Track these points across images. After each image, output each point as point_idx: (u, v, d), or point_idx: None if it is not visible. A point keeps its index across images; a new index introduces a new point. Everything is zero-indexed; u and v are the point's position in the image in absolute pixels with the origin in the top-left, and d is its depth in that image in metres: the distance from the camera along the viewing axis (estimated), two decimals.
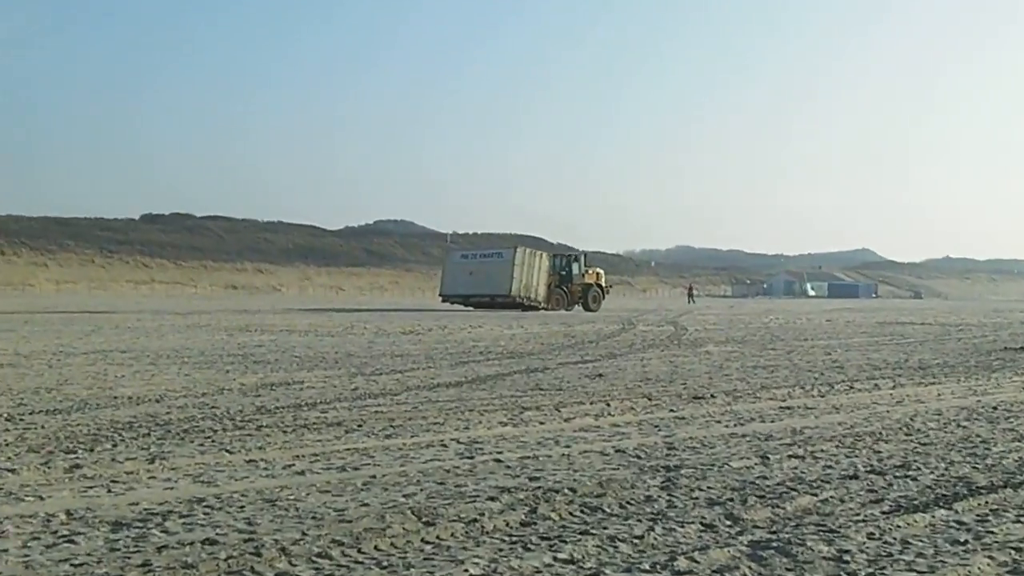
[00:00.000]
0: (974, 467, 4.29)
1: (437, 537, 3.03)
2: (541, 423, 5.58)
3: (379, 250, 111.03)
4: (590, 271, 34.53)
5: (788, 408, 6.38)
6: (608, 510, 3.41)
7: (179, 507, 3.40)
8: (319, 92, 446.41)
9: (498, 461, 4.34)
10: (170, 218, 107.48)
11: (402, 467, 4.17)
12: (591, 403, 6.53)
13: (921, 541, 3.04)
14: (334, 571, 2.71)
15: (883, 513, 3.39)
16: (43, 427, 5.21)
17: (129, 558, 2.77)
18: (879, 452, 4.66)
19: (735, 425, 5.57)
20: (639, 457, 4.49)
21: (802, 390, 7.50)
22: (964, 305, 58.57)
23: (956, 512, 3.42)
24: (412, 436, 5.03)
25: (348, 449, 4.60)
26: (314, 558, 2.79)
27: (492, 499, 3.54)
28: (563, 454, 4.54)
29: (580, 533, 3.09)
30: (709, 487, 3.80)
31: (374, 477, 3.95)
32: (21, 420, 5.47)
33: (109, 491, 3.66)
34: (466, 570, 2.71)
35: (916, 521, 3.27)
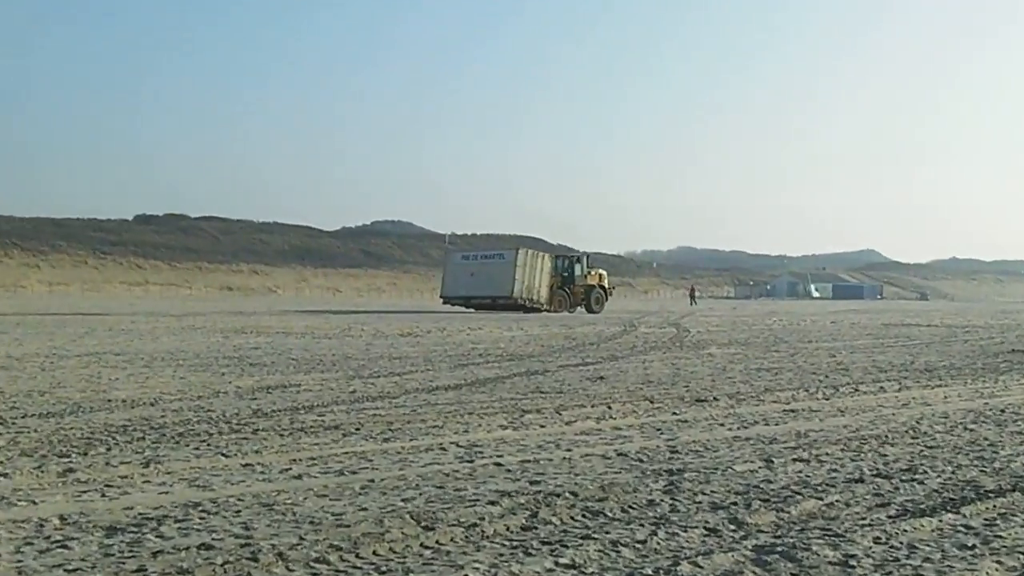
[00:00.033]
0: (981, 470, 4.27)
1: (436, 542, 3.00)
2: (542, 426, 5.55)
3: (377, 251, 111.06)
4: (592, 272, 34.48)
5: (792, 411, 6.35)
6: (610, 514, 3.39)
7: (174, 512, 3.37)
8: (316, 91, 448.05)
9: (498, 465, 4.31)
10: (164, 219, 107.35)
11: (401, 471, 4.15)
12: (592, 406, 6.49)
13: (928, 546, 3.02)
14: None
15: (889, 517, 3.36)
16: (36, 431, 5.17)
17: (123, 564, 2.75)
18: (885, 455, 4.63)
19: (739, 428, 5.54)
20: (641, 461, 4.46)
21: (806, 393, 7.48)
22: (970, 306, 58.74)
23: (963, 516, 3.40)
24: (411, 439, 5.00)
25: (346, 453, 4.57)
26: (312, 563, 2.77)
27: (492, 503, 3.51)
28: (564, 457, 4.52)
29: (582, 538, 3.07)
30: (712, 491, 3.78)
31: (372, 481, 3.92)
32: (14, 424, 5.44)
33: (103, 496, 3.63)
34: (466, 575, 2.68)
35: (923, 525, 3.25)
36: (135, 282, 76.74)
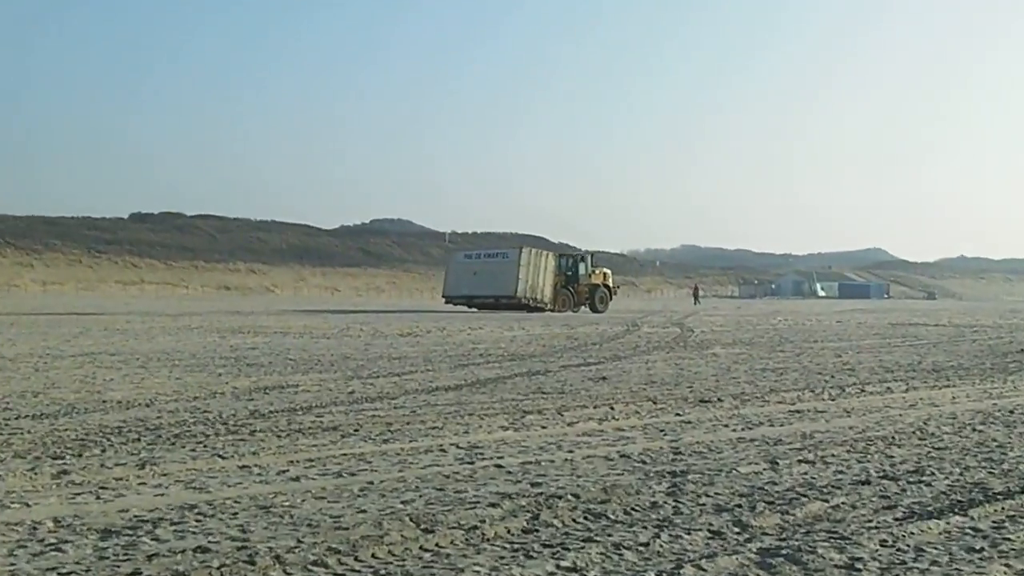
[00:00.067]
0: (990, 472, 4.24)
1: (436, 545, 2.98)
2: (543, 427, 5.52)
3: (376, 250, 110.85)
4: (597, 271, 34.39)
5: (798, 412, 6.32)
6: (612, 517, 3.36)
7: (170, 514, 3.35)
8: (314, 87, 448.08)
9: (499, 466, 4.29)
10: (160, 217, 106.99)
11: (400, 473, 4.12)
12: (595, 407, 6.46)
13: (935, 549, 3.00)
14: None
15: (896, 520, 3.34)
16: (29, 432, 5.14)
17: (118, 567, 2.73)
18: (892, 457, 4.60)
19: (743, 429, 5.51)
20: (644, 462, 4.43)
21: (812, 393, 7.44)
22: (979, 306, 58.79)
23: (971, 519, 3.37)
24: (410, 441, 4.97)
25: (344, 454, 4.55)
26: (309, 566, 2.75)
27: (493, 505, 3.49)
28: (566, 459, 4.49)
29: (584, 541, 3.04)
30: (717, 493, 3.75)
31: (371, 483, 3.90)
32: (7, 425, 5.41)
33: (98, 498, 3.61)
34: None
35: (930, 528, 3.23)
36: (130, 281, 76.59)
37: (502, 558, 2.85)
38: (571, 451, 4.70)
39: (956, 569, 2.79)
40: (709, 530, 3.19)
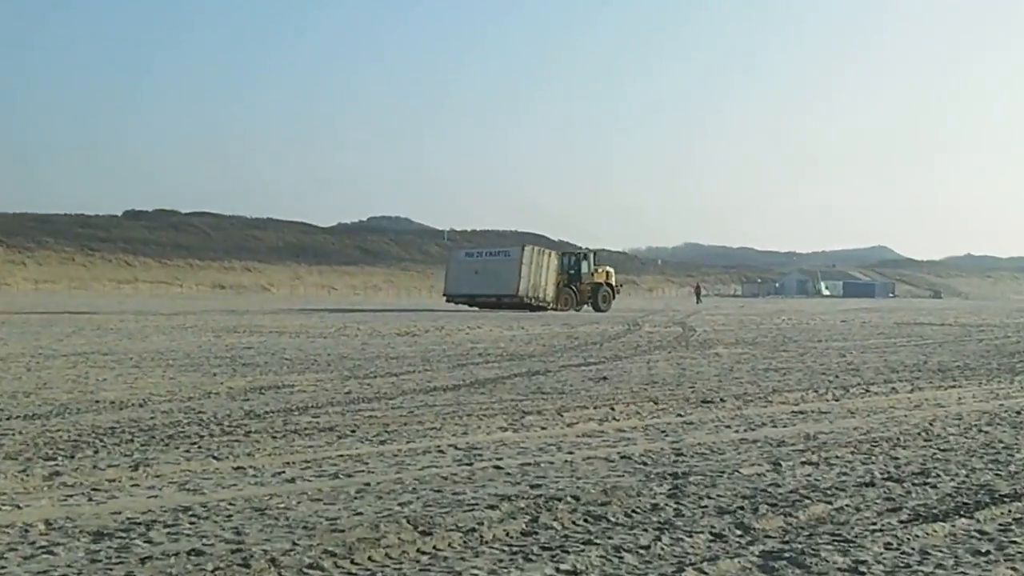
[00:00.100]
0: (996, 474, 4.22)
1: (434, 547, 2.96)
2: (543, 428, 5.50)
3: (373, 248, 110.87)
4: (599, 270, 34.32)
5: (801, 412, 6.31)
6: (613, 519, 3.34)
7: (164, 516, 3.33)
8: (311, 84, 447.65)
9: (498, 468, 4.27)
10: (154, 215, 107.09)
11: (397, 474, 4.10)
12: (595, 407, 6.44)
13: (941, 551, 2.98)
14: None
15: (901, 522, 3.32)
16: (21, 433, 5.12)
17: (111, 570, 2.71)
18: (896, 458, 4.58)
19: (745, 430, 5.49)
20: (645, 464, 4.41)
21: (816, 394, 7.43)
22: (985, 305, 58.98)
23: (977, 521, 3.35)
24: (408, 442, 4.95)
25: (341, 455, 4.53)
26: (305, 569, 2.73)
27: (491, 507, 3.47)
28: (566, 460, 4.47)
29: (583, 543, 3.02)
30: (719, 495, 3.73)
31: (368, 485, 3.88)
32: None
33: (90, 500, 3.59)
34: None
35: (935, 531, 3.21)
36: (124, 280, 76.64)
37: (501, 561, 2.83)
38: (571, 452, 4.68)
39: (961, 572, 2.77)
40: (711, 532, 3.16)
